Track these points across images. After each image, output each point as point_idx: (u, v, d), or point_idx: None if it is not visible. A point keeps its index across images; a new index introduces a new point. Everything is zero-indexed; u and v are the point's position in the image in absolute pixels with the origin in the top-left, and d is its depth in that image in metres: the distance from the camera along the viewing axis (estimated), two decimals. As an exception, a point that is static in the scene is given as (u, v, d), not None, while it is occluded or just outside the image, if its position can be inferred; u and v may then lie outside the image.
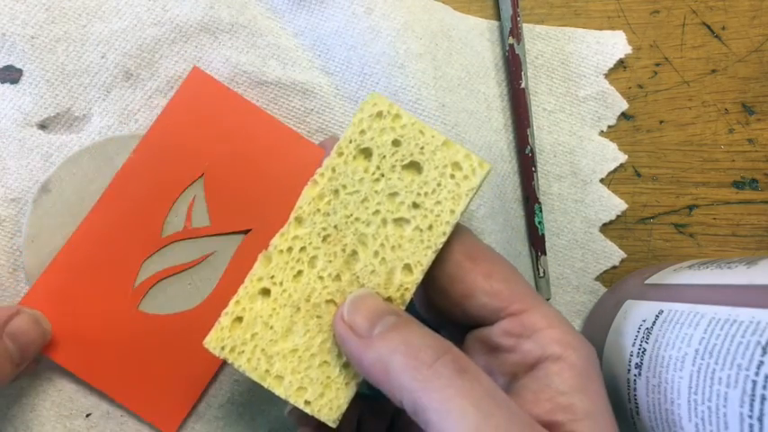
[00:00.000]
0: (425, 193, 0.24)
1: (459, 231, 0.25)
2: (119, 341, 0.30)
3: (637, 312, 0.28)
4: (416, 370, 0.20)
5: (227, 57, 0.32)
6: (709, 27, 0.35)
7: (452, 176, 0.24)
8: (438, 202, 0.24)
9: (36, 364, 0.30)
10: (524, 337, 0.23)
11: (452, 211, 0.24)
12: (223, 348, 0.23)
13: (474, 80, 0.33)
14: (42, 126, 0.31)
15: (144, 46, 0.32)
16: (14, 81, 0.31)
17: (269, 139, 0.31)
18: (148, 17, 0.32)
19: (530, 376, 0.23)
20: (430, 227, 0.24)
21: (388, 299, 0.24)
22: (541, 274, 0.33)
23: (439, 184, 0.24)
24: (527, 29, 0.34)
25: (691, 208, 0.34)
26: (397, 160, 0.24)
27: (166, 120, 0.31)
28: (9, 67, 0.31)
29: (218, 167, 0.31)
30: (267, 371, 0.23)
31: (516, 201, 0.34)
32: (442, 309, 0.26)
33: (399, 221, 0.24)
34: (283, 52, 0.32)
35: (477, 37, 0.34)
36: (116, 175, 0.31)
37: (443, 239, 0.24)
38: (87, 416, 0.31)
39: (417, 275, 0.24)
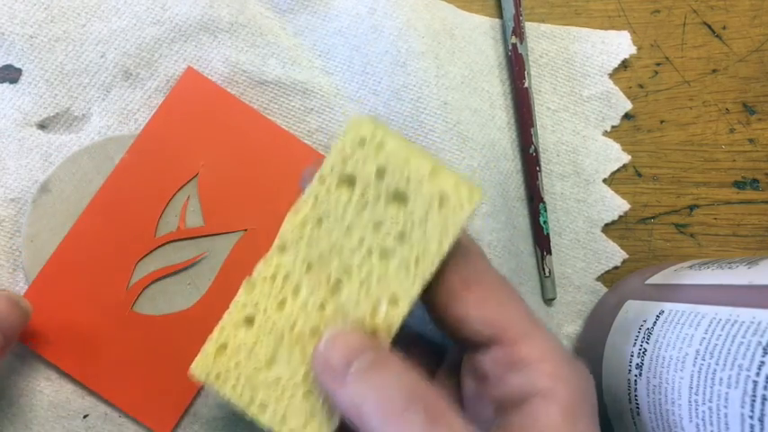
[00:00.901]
0: (412, 225, 0.22)
1: (456, 253, 0.24)
2: (113, 342, 0.30)
3: (637, 312, 0.27)
4: (386, 418, 0.19)
5: (227, 56, 0.32)
6: (709, 27, 0.35)
7: (440, 208, 0.22)
8: (425, 235, 0.22)
9: (10, 352, 0.30)
10: (514, 369, 0.22)
11: (440, 245, 0.22)
12: (208, 375, 0.23)
13: (478, 78, 0.33)
14: (42, 126, 0.31)
15: (143, 45, 0.31)
16: (13, 81, 0.31)
17: (262, 139, 0.31)
18: (147, 16, 0.31)
19: (518, 411, 0.22)
20: (417, 260, 0.22)
21: (374, 330, 0.23)
22: (547, 274, 0.33)
23: (426, 217, 0.22)
24: (531, 27, 0.34)
25: (691, 208, 0.34)
26: (381, 190, 0.22)
27: (160, 120, 0.31)
28: (8, 67, 0.31)
29: (212, 167, 0.31)
30: (252, 399, 0.23)
31: (519, 199, 0.34)
32: (441, 329, 0.25)
33: (385, 253, 0.23)
34: (283, 51, 0.32)
35: (481, 35, 0.34)
36: (109, 175, 0.31)
37: (431, 270, 0.22)
38: (84, 417, 0.31)
39: (404, 308, 0.22)
